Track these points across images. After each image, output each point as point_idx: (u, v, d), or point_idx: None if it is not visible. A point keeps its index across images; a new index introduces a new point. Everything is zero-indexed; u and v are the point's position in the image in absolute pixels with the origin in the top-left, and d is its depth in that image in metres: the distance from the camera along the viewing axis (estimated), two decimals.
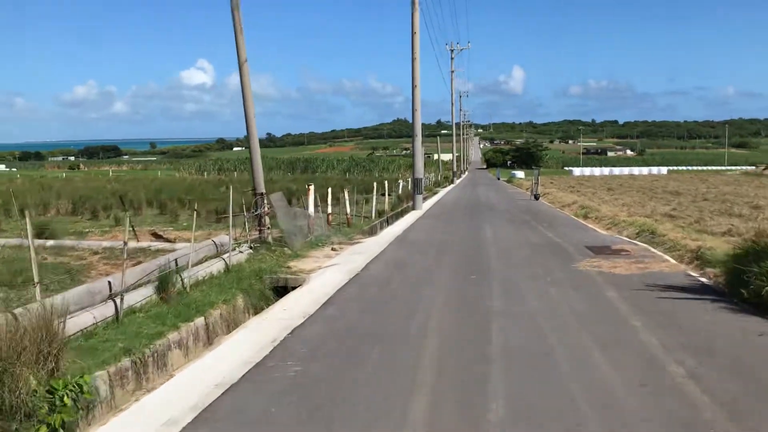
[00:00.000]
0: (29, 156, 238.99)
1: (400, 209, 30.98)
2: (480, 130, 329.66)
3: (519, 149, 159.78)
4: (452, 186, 62.90)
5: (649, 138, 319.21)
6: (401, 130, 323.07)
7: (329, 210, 22.67)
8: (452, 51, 63.88)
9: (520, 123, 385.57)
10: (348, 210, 24.23)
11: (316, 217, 18.88)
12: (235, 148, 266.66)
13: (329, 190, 24.23)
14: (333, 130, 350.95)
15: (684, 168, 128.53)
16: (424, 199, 40.03)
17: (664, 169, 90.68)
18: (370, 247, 16.84)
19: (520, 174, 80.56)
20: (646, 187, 45.84)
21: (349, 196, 24.59)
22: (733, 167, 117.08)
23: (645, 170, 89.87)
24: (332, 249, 16.14)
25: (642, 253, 14.44)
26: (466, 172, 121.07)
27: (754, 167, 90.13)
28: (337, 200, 25.95)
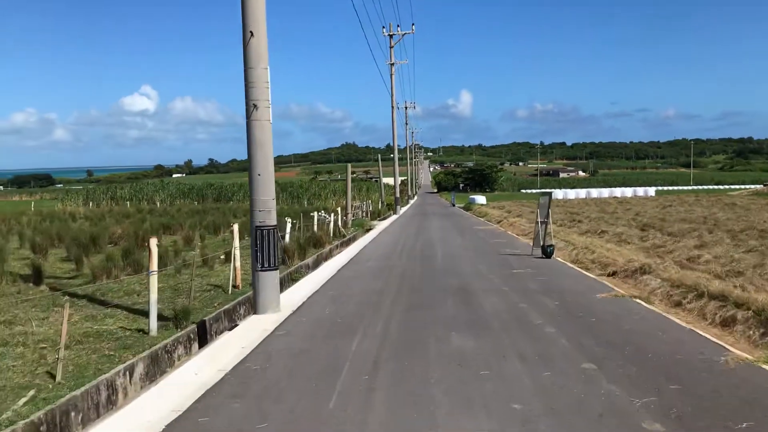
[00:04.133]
0: None
1: (291, 269, 13.07)
2: (430, 154, 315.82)
3: (472, 171, 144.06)
4: (395, 217, 45.23)
5: (598, 159, 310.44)
6: (350, 154, 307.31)
7: None
8: (391, 37, 46.51)
9: (470, 146, 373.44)
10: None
11: None
12: (174, 175, 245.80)
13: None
14: (280, 155, 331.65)
15: (671, 188, 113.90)
16: (340, 245, 22.61)
17: (651, 190, 74.26)
18: None
19: (480, 199, 63.07)
20: (666, 218, 28.77)
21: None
22: (737, 186, 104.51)
23: (628, 191, 73.35)
24: None
25: None
26: (416, 197, 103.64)
27: (762, 186, 74.94)
28: None
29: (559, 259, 16.80)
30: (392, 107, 47.01)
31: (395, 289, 12.31)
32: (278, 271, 10.19)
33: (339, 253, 21.75)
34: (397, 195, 48.55)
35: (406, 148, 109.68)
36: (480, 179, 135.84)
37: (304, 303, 11.03)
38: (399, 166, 55.11)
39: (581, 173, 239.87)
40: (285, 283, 14.58)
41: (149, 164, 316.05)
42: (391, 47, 46.41)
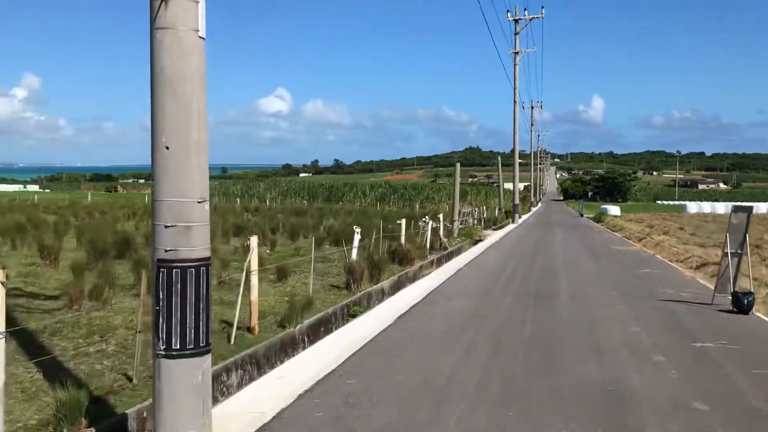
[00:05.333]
0: (101, 178, 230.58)
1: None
2: (556, 160, 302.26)
3: (603, 178, 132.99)
4: (513, 226, 38.83)
5: (741, 171, 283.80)
6: (473, 158, 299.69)
7: None
8: (516, 22, 40.01)
9: (600, 153, 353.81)
10: None
11: None
12: (301, 174, 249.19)
13: None
14: (403, 158, 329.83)
15: None
16: (436, 262, 17.21)
17: None
18: None
19: (613, 209, 54.93)
20: None
21: None
22: None
23: None
24: None
25: None
26: (539, 204, 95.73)
27: None
28: None
29: (763, 316, 10.25)
30: (514, 101, 40.56)
31: (473, 383, 6.46)
32: (209, 355, 4.70)
33: (428, 274, 16.13)
34: (517, 201, 41.98)
35: (531, 153, 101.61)
36: (611, 188, 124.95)
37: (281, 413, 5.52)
38: (523, 171, 48.54)
39: (722, 185, 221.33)
40: (336, 322, 9.35)
41: (279, 163, 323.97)
42: (515, 33, 40.03)
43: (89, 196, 64.31)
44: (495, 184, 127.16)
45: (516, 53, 40.01)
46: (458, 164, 29.66)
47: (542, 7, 40.86)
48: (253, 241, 9.02)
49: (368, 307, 11.26)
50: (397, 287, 13.63)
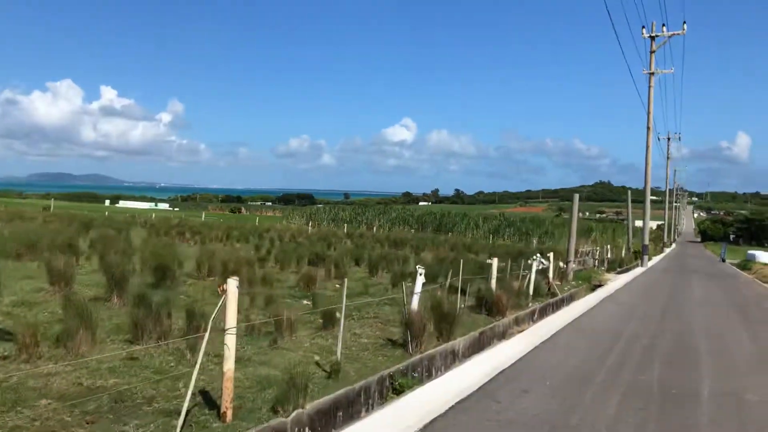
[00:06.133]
0: (232, 199, 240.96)
1: None
2: (695, 199, 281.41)
3: (748, 220, 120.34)
4: (641, 270, 33.54)
5: None
6: (603, 193, 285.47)
7: None
8: (653, 39, 34.93)
9: (744, 193, 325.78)
10: None
11: None
12: (421, 203, 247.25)
13: None
14: (528, 190, 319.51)
15: None
16: (537, 314, 13.49)
17: None
18: None
19: (763, 256, 47.44)
20: None
21: None
22: None
23: None
24: None
25: None
26: (673, 245, 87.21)
27: None
28: None
29: None
30: (648, 128, 35.26)
31: None
32: None
33: (520, 332, 12.32)
34: (646, 242, 36.37)
35: (666, 190, 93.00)
36: (757, 230, 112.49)
37: None
38: (656, 209, 42.80)
39: None
40: (368, 402, 6.29)
41: (400, 191, 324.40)
42: (651, 52, 34.93)
43: (203, 216, 64.70)
44: (624, 221, 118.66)
45: (651, 74, 34.87)
46: (576, 195, 25.26)
47: (683, 22, 35.56)
48: (231, 285, 5.82)
49: (424, 379, 7.83)
50: (475, 349, 10.07)
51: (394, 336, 9.26)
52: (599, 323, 13.53)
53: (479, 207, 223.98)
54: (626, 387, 7.82)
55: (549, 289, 19.66)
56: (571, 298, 19.75)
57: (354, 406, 6.37)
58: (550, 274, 20.92)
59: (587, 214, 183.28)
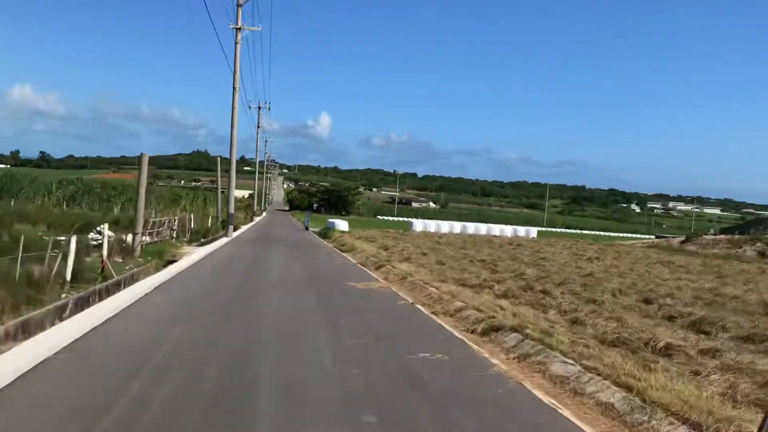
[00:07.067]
0: None
1: None
2: (285, 171, 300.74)
3: (329, 191, 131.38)
4: (226, 240, 30.71)
5: (447, 192, 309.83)
6: (199, 162, 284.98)
7: None
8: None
9: (326, 167, 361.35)
10: None
11: None
12: None
13: None
14: (123, 156, 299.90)
15: (551, 229, 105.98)
16: (73, 307, 8.69)
17: (533, 231, 63.63)
18: None
19: (341, 224, 49.58)
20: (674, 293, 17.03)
21: None
22: (631, 235, 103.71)
23: (507, 230, 62.02)
24: None
25: None
26: (264, 213, 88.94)
27: (654, 238, 67.80)
28: None
29: None
30: (234, 87, 32.28)
31: None
32: None
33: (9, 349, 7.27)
34: (231, 211, 33.62)
35: (257, 161, 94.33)
36: (336, 201, 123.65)
37: None
38: (249, 179, 40.57)
39: (431, 204, 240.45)
40: None
41: None
42: (239, 5, 32.07)
43: None
44: (224, 191, 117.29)
45: (238, 29, 31.95)
46: (146, 155, 20.71)
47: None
48: None
49: None
50: None
51: None
52: (128, 333, 9.20)
53: (68, 171, 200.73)
54: None
55: (103, 269, 14.91)
56: (132, 279, 15.24)
57: None
58: (105, 252, 16.07)
59: (182, 182, 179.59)
